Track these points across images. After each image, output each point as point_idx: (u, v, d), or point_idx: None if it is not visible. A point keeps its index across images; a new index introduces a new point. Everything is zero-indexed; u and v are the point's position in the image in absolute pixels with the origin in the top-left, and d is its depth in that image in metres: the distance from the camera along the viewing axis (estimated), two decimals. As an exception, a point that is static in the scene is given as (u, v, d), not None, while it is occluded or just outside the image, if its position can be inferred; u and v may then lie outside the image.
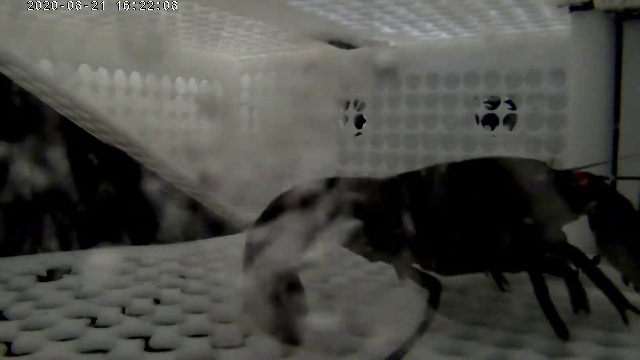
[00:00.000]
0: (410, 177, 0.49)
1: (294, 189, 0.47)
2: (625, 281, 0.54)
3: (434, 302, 0.42)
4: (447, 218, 0.45)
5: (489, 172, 0.47)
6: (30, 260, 0.61)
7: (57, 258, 0.62)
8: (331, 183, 0.46)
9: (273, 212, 0.45)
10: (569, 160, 0.67)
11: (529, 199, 0.44)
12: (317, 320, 0.43)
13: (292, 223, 0.43)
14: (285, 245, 0.44)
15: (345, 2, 0.77)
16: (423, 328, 0.40)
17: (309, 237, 0.45)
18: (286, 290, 0.43)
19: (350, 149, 1.05)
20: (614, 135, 0.66)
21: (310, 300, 0.43)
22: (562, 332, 0.42)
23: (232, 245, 0.74)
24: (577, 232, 0.48)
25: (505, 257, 0.45)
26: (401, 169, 0.98)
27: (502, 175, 0.46)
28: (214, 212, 0.81)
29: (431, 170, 0.49)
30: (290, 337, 0.42)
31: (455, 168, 0.49)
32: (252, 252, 0.44)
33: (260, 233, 0.44)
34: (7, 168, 0.61)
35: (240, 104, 1.19)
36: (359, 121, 1.06)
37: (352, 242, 0.45)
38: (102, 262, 0.63)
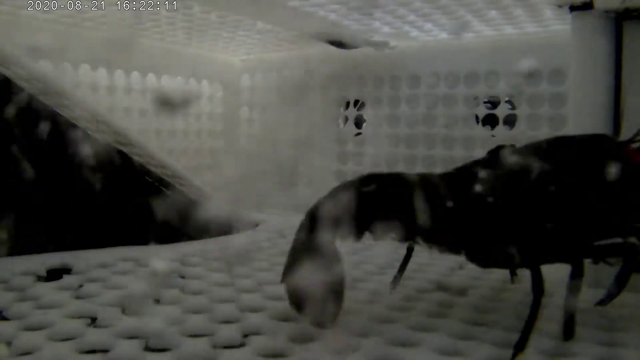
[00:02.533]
0: (471, 168, 0.48)
1: (350, 183, 0.48)
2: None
3: (539, 288, 0.41)
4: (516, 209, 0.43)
5: (566, 155, 0.44)
6: (30, 260, 0.61)
7: (57, 258, 0.62)
8: (380, 179, 0.47)
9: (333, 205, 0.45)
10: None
11: (614, 182, 0.42)
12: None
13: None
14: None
15: (346, 2, 0.77)
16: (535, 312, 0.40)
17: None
18: (329, 276, 0.43)
19: (350, 149, 1.05)
20: (614, 135, 0.66)
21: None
22: (568, 333, 0.42)
23: (232, 246, 0.74)
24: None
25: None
26: (401, 169, 0.98)
27: (581, 157, 0.44)
28: (215, 212, 0.81)
29: (497, 159, 0.47)
30: (321, 320, 0.43)
31: (523, 152, 0.46)
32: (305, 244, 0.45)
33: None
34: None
35: (240, 104, 1.19)
36: (359, 121, 1.06)
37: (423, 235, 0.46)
38: (102, 262, 0.63)
